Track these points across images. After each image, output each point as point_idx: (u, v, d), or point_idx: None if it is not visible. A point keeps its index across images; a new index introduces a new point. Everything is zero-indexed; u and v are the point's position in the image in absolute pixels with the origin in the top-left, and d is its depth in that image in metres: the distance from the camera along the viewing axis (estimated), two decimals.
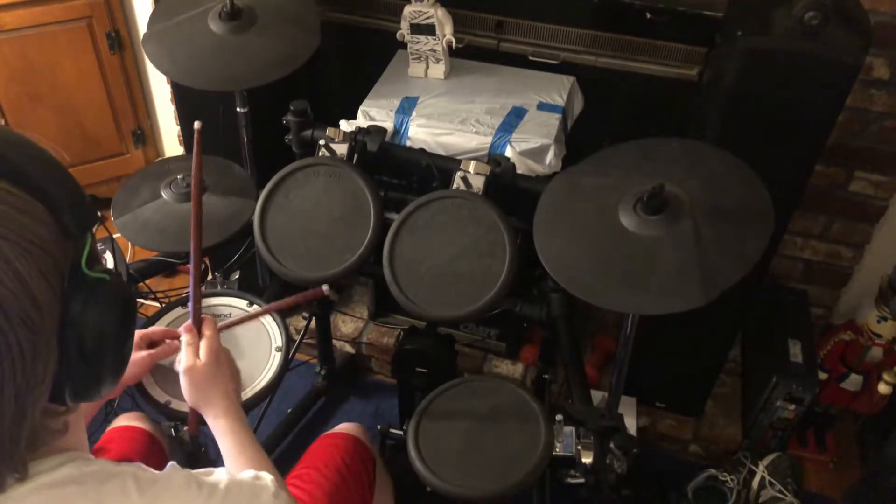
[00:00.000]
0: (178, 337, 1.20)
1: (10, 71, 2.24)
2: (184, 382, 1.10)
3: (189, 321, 1.16)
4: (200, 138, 1.22)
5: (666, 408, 2.02)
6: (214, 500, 0.80)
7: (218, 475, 0.84)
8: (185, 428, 1.27)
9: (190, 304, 1.19)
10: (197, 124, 1.21)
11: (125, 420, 1.39)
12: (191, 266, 1.21)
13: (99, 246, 1.46)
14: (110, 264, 1.50)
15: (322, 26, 1.61)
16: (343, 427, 1.44)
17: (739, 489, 1.86)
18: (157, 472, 0.78)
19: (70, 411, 0.72)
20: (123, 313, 0.71)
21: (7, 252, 0.60)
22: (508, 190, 1.49)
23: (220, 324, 1.24)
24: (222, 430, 1.07)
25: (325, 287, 1.33)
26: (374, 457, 1.42)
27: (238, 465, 1.03)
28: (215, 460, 1.11)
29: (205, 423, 1.13)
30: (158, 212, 1.52)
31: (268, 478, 0.89)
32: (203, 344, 1.12)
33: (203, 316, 1.17)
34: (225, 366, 1.13)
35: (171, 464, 0.82)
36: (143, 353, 1.19)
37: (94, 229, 0.71)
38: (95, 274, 0.68)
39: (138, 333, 1.20)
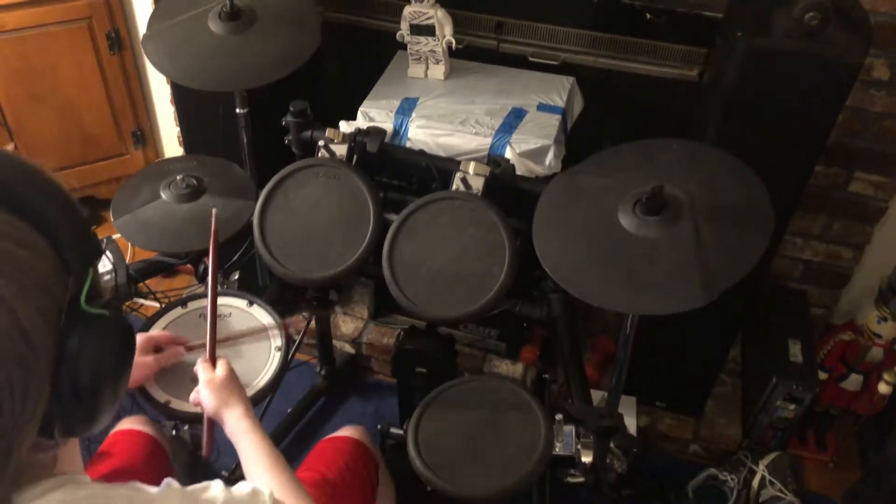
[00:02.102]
0: (183, 343, 1.29)
1: (10, 71, 2.24)
2: (205, 394, 1.14)
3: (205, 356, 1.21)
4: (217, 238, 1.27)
5: (666, 408, 2.02)
6: None
7: (213, 492, 0.82)
8: (185, 427, 1.27)
9: (207, 343, 1.22)
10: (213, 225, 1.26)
11: (129, 424, 1.39)
12: (208, 307, 1.24)
13: None
14: (109, 265, 1.50)
15: (322, 26, 1.61)
16: (346, 430, 1.44)
17: (739, 489, 1.86)
18: (152, 491, 0.76)
19: (59, 445, 0.69)
20: (121, 351, 0.69)
21: (3, 291, 0.58)
22: (508, 191, 1.49)
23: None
24: (245, 429, 1.09)
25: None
26: (376, 460, 1.42)
27: (259, 462, 1.04)
28: (215, 461, 1.12)
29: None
30: (158, 212, 1.52)
31: (265, 493, 0.87)
32: (219, 363, 1.18)
33: (218, 356, 1.23)
34: (238, 382, 1.18)
35: (167, 481, 0.81)
36: (150, 357, 1.23)
37: (96, 264, 0.68)
38: (95, 310, 0.65)
39: (144, 337, 1.23)
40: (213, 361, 1.20)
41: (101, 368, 0.66)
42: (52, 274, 0.63)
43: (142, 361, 1.22)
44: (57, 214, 0.64)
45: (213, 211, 1.33)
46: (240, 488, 0.87)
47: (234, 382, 1.17)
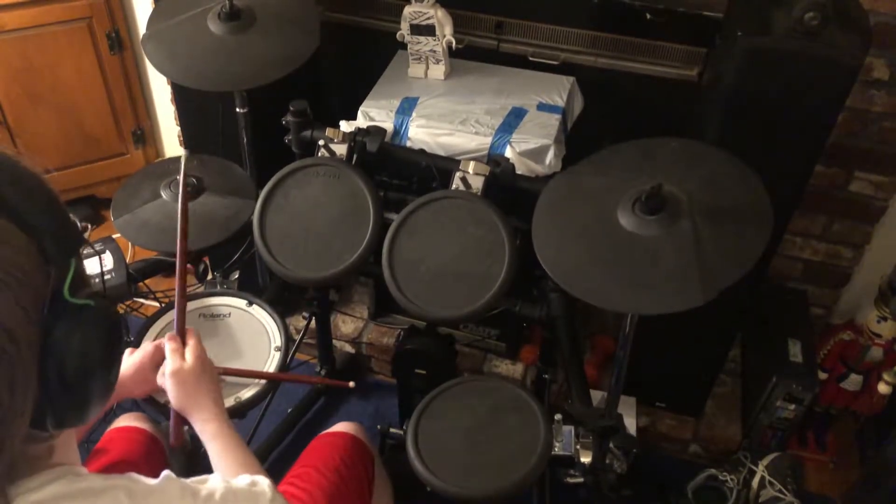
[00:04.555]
0: None
1: (10, 71, 2.24)
2: (170, 385, 1.11)
3: (173, 331, 1.18)
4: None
5: (666, 408, 2.02)
6: None
7: (213, 483, 0.82)
8: (185, 427, 1.27)
9: (175, 314, 1.20)
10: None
11: (126, 420, 1.39)
12: (176, 277, 1.21)
13: (98, 246, 1.47)
14: (109, 265, 1.50)
15: (322, 26, 1.61)
16: (341, 426, 1.43)
17: (739, 489, 1.86)
18: (151, 482, 0.76)
19: (54, 437, 0.69)
20: (108, 341, 0.68)
21: None
22: (508, 190, 1.49)
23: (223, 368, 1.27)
24: (211, 433, 1.07)
25: (351, 383, 1.49)
26: (372, 456, 1.42)
27: (229, 469, 1.03)
28: None
29: (188, 424, 1.14)
30: (158, 212, 1.52)
31: (264, 483, 0.88)
32: (188, 349, 1.14)
33: (188, 328, 1.19)
34: (210, 370, 1.14)
35: (166, 473, 0.81)
36: (159, 374, 1.19)
37: (80, 252, 0.68)
38: (79, 301, 0.65)
39: (152, 348, 1.20)
40: (181, 337, 1.15)
41: (87, 359, 0.66)
42: (32, 267, 0.62)
43: (152, 377, 1.19)
44: (35, 208, 0.63)
45: (184, 154, 1.29)
46: (238, 480, 0.87)
47: (202, 373, 1.12)
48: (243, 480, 0.88)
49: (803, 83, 1.35)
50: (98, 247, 1.51)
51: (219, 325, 1.43)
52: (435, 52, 1.79)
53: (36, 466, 0.68)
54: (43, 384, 0.63)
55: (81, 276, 0.68)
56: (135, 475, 0.76)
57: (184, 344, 1.16)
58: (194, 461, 1.29)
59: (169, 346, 1.14)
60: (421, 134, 1.67)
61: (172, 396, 1.11)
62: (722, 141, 1.39)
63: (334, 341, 2.13)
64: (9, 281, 0.60)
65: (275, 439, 1.96)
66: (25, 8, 2.17)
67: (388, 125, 1.69)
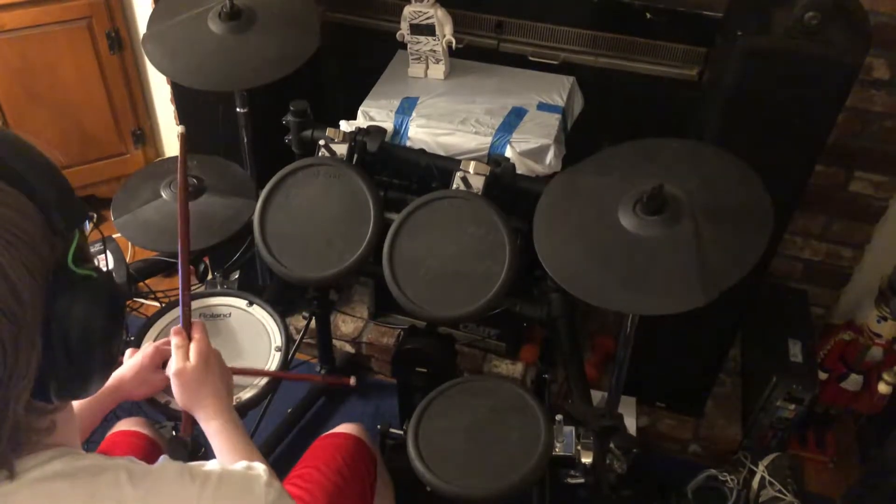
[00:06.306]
0: None
1: (10, 71, 2.24)
2: (174, 385, 1.11)
3: (178, 325, 1.18)
4: (185, 144, 1.26)
5: (666, 408, 2.02)
6: (207, 491, 0.79)
7: (210, 466, 0.84)
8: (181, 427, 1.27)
9: (179, 308, 1.20)
10: (180, 129, 1.26)
11: (127, 425, 1.39)
12: (179, 270, 1.22)
13: (98, 246, 1.47)
14: (110, 265, 1.50)
15: (322, 26, 1.61)
16: (344, 427, 1.44)
17: (739, 489, 1.86)
18: (149, 465, 0.78)
19: (57, 410, 0.72)
20: (110, 311, 0.71)
21: None
22: (508, 190, 1.49)
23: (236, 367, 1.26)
24: (214, 430, 1.08)
25: (352, 379, 1.49)
26: (375, 457, 1.42)
27: (231, 463, 1.03)
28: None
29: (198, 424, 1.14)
30: (158, 212, 1.52)
31: (260, 467, 0.89)
32: (192, 347, 1.13)
33: (193, 320, 1.19)
34: (215, 367, 1.14)
35: (164, 457, 0.82)
36: (160, 375, 1.20)
37: (85, 226, 0.71)
38: (83, 271, 0.68)
39: (153, 350, 1.20)
40: (187, 331, 1.15)
41: (90, 327, 0.68)
42: (40, 234, 0.65)
43: (152, 379, 1.20)
44: (42, 179, 0.66)
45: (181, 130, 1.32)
46: (235, 465, 0.89)
47: (205, 371, 1.11)
48: (240, 464, 0.89)
49: (803, 83, 1.35)
50: (97, 246, 1.51)
51: (219, 325, 1.43)
52: (435, 51, 1.79)
53: (38, 443, 0.70)
54: (46, 351, 0.66)
55: (84, 250, 0.70)
56: (134, 458, 0.78)
57: (189, 338, 1.15)
58: (194, 460, 1.30)
59: (174, 341, 1.14)
60: (421, 134, 1.67)
61: (176, 396, 1.11)
62: (722, 141, 1.39)
63: (334, 341, 2.13)
64: (16, 243, 0.62)
65: (275, 439, 1.96)
66: (25, 8, 2.17)
67: (388, 125, 1.69)
